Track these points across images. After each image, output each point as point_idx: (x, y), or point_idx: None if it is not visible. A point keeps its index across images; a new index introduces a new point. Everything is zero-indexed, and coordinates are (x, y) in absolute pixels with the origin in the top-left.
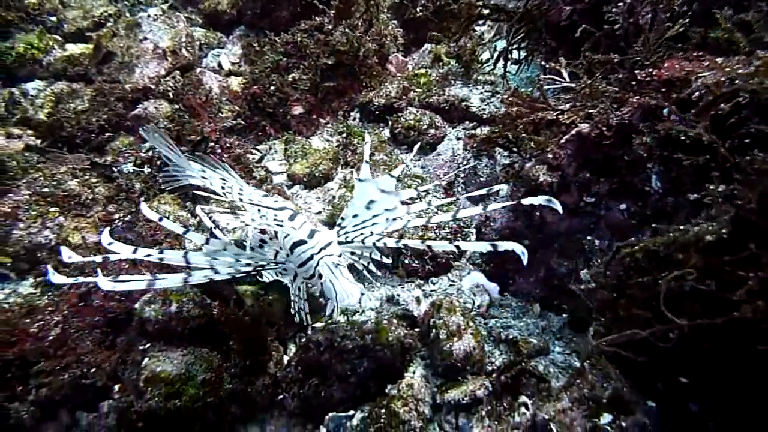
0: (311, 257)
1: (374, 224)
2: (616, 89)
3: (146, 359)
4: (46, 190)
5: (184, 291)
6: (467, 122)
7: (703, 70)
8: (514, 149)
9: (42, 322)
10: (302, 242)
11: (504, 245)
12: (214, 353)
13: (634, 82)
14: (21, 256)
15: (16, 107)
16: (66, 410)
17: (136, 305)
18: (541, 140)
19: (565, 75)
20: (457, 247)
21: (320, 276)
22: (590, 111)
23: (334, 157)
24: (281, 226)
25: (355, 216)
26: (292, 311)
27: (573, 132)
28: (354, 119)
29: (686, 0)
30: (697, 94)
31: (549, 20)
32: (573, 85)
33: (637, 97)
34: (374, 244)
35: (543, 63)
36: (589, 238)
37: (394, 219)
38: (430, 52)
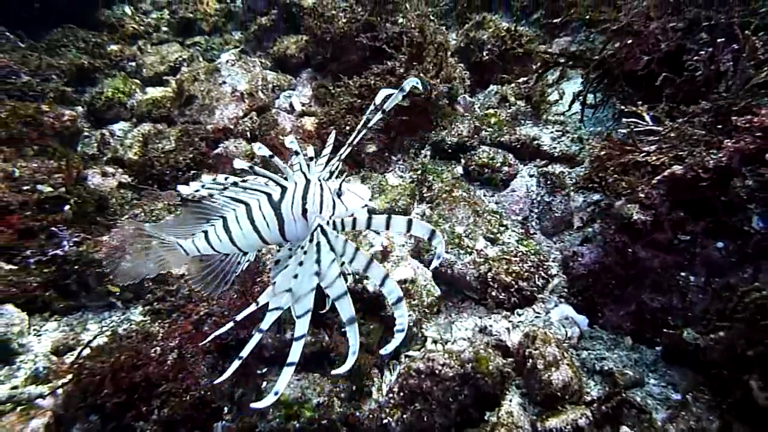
0: (321, 192)
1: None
2: (703, 133)
3: (264, 383)
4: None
5: None
6: (538, 159)
7: None
8: (599, 188)
9: (159, 348)
10: (306, 188)
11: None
12: (324, 378)
13: (720, 126)
14: (128, 287)
15: (106, 147)
16: (185, 429)
17: (253, 332)
18: (632, 180)
19: (647, 119)
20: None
21: (339, 193)
22: (680, 153)
23: (411, 193)
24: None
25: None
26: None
27: (666, 173)
28: (425, 156)
29: None
30: None
31: (625, 68)
32: (655, 128)
33: (733, 141)
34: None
35: (622, 107)
36: (683, 274)
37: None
38: (496, 93)
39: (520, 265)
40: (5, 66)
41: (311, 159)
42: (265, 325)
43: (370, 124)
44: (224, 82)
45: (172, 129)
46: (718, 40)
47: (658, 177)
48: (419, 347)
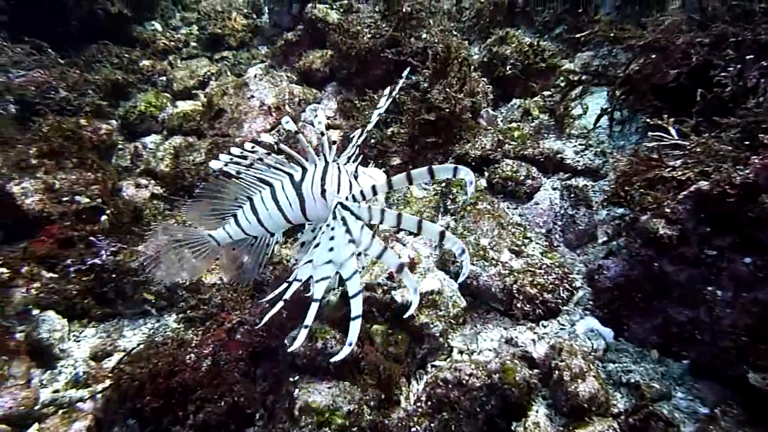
0: (339, 174)
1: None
2: (730, 148)
3: (297, 390)
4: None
5: (324, 329)
6: (561, 173)
7: None
8: (624, 202)
9: (193, 355)
10: (325, 170)
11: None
12: (354, 387)
13: (748, 142)
14: (162, 295)
15: (139, 160)
16: None
17: (285, 341)
18: (658, 195)
19: (673, 133)
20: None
21: (355, 175)
22: (706, 169)
23: (436, 205)
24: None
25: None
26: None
27: (692, 188)
28: None
29: None
30: None
31: (653, 83)
32: (681, 142)
33: (760, 158)
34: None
35: (648, 120)
36: (710, 288)
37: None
38: (519, 107)
39: (545, 277)
40: (45, 82)
41: (333, 143)
42: (317, 294)
43: (382, 110)
44: (252, 96)
45: (202, 142)
46: (747, 57)
47: (684, 192)
48: (445, 357)
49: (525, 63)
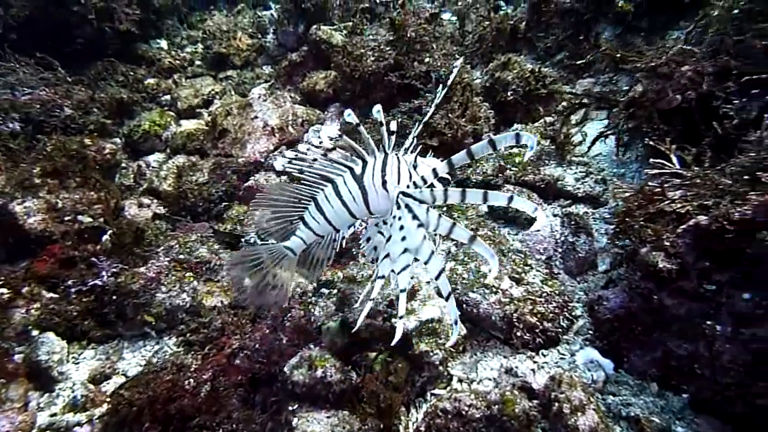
0: (398, 165)
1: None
2: (730, 183)
3: (295, 419)
4: (181, 256)
5: (324, 357)
6: (562, 200)
7: None
8: (626, 235)
9: (192, 380)
10: (385, 161)
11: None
12: (353, 416)
13: (747, 177)
14: (162, 317)
15: (142, 178)
16: None
17: (285, 369)
18: (658, 228)
19: (675, 161)
20: None
21: (414, 166)
22: (705, 203)
23: None
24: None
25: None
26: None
27: (691, 223)
28: None
29: None
30: None
31: (659, 107)
32: (682, 171)
33: (758, 194)
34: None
35: (650, 142)
36: (709, 323)
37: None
38: None
39: (545, 305)
40: (50, 100)
41: (392, 133)
42: (402, 284)
43: (438, 101)
44: (256, 117)
45: (205, 161)
46: (752, 91)
47: (683, 226)
48: (445, 385)
49: (526, 89)
